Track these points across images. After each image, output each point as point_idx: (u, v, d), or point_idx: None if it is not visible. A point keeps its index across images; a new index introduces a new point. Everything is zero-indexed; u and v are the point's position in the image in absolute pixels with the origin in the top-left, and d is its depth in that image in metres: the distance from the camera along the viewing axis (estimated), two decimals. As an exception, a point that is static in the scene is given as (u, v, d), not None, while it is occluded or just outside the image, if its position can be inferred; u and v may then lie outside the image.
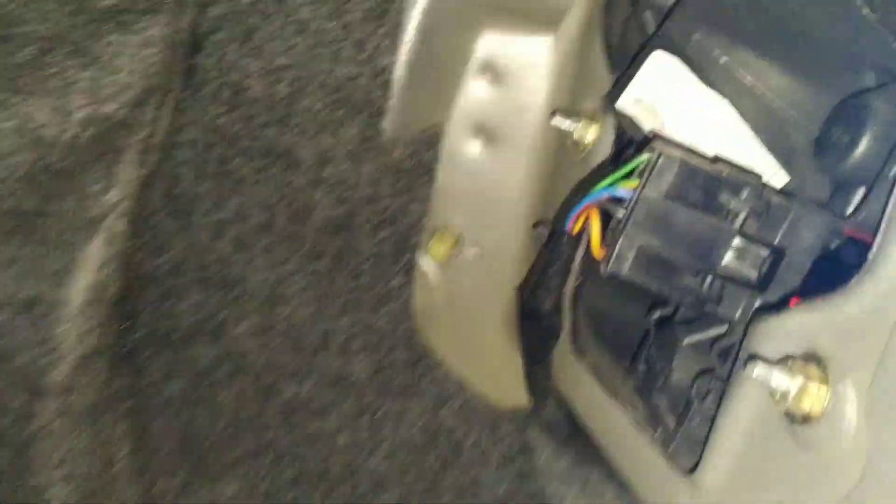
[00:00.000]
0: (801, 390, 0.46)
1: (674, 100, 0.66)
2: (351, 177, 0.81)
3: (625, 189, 0.58)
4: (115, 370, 0.76)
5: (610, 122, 0.75)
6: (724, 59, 0.62)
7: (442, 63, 0.83)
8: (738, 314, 0.57)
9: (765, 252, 0.56)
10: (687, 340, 0.62)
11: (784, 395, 0.47)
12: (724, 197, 0.56)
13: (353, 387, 0.87)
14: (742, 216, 0.56)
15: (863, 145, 0.52)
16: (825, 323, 0.47)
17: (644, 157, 0.57)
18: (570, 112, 0.78)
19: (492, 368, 0.90)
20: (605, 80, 0.76)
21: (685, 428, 0.60)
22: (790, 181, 0.60)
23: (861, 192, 0.53)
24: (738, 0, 0.59)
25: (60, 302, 0.71)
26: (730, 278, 0.57)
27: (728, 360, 0.58)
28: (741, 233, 0.56)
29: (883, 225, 0.45)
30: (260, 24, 0.76)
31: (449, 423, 0.89)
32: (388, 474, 0.89)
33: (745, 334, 0.54)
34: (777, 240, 0.57)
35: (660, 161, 0.55)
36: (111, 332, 0.75)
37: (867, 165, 0.52)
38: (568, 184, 0.82)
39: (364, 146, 0.80)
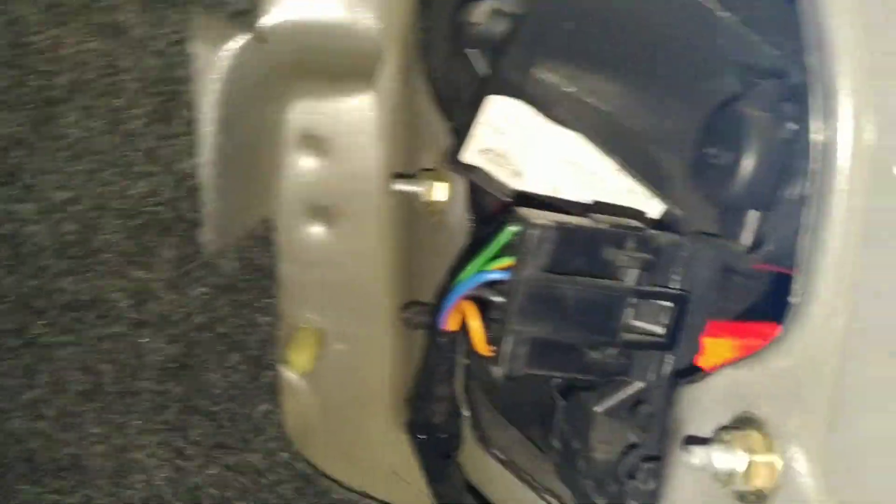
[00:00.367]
0: (749, 467, 0.41)
1: (523, 144, 0.58)
2: (177, 309, 0.68)
3: (498, 270, 0.49)
4: None
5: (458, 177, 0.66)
6: (570, 90, 0.54)
7: (252, 150, 0.71)
8: (652, 376, 0.51)
9: (666, 303, 0.49)
10: (599, 408, 0.55)
11: (731, 476, 0.42)
12: (608, 253, 0.49)
13: (243, 538, 0.75)
14: (633, 271, 0.48)
15: (746, 165, 0.44)
16: (756, 382, 0.42)
17: (511, 229, 0.48)
18: (412, 174, 0.69)
19: (389, 469, 0.79)
20: (440, 130, 0.67)
21: (622, 513, 0.53)
22: (673, 211, 0.52)
23: (754, 216, 0.46)
24: (575, 22, 0.51)
25: None
26: (635, 343, 0.49)
27: (652, 431, 0.52)
28: (635, 291, 0.48)
29: (800, 266, 0.39)
30: (23, 159, 0.63)
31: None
32: None
33: (667, 401, 0.49)
34: (675, 284, 0.49)
35: (530, 235, 0.46)
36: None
37: (755, 187, 0.45)
38: (429, 252, 0.72)
39: (184, 270, 0.68)
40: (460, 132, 0.60)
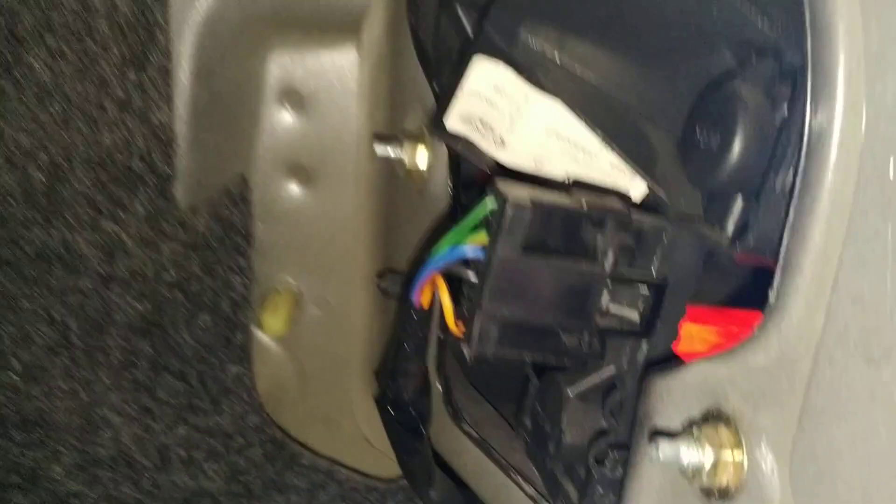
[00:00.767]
0: (716, 463, 0.40)
1: (508, 113, 0.55)
2: (148, 265, 0.66)
3: (472, 246, 0.47)
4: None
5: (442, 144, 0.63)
6: (557, 57, 0.51)
7: (229, 102, 0.69)
8: (624, 363, 0.50)
9: (643, 289, 0.47)
10: (572, 391, 0.53)
11: (697, 471, 0.40)
12: (587, 234, 0.47)
13: (210, 501, 0.73)
14: (611, 254, 0.46)
15: (736, 149, 0.42)
16: (729, 377, 0.41)
17: (488, 203, 0.46)
18: (394, 136, 0.66)
19: (361, 437, 0.78)
20: (426, 92, 0.65)
21: (589, 499, 0.52)
22: (656, 192, 0.50)
23: (740, 202, 0.44)
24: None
25: None
26: (610, 329, 0.47)
27: (622, 418, 0.51)
28: (613, 275, 0.46)
29: (780, 261, 0.37)
30: (-12, 101, 0.60)
31: (328, 514, 0.76)
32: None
33: (639, 391, 0.47)
34: (654, 270, 0.48)
35: (508, 212, 0.44)
36: None
37: (743, 173, 0.42)
38: (408, 220, 0.70)
39: (156, 225, 0.65)
40: (445, 95, 0.57)
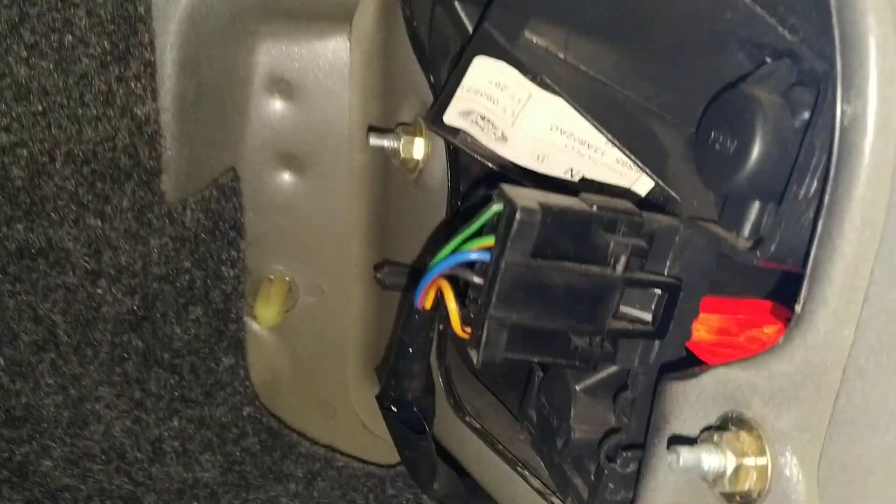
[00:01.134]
0: (738, 468, 0.40)
1: (510, 109, 0.54)
2: (136, 259, 0.64)
3: (478, 251, 0.45)
4: None
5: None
6: (562, 56, 0.50)
7: (217, 93, 0.66)
8: (637, 363, 0.49)
9: (656, 290, 0.46)
10: (580, 386, 0.53)
11: (719, 477, 0.40)
12: (599, 239, 0.45)
13: (206, 491, 0.73)
14: (623, 257, 0.45)
15: (754, 154, 0.41)
16: (751, 384, 0.40)
17: (494, 208, 0.45)
18: (389, 129, 0.65)
19: (358, 424, 0.78)
20: (420, 83, 0.63)
21: (600, 495, 0.52)
22: (668, 192, 0.49)
23: (757, 207, 0.43)
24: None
25: None
26: (622, 331, 0.47)
27: (634, 417, 0.51)
28: (625, 279, 0.45)
29: (808, 271, 0.36)
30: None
31: (326, 501, 0.76)
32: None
33: (651, 389, 0.47)
34: (666, 271, 0.47)
35: (518, 217, 0.42)
36: None
37: (761, 178, 0.42)
38: (403, 208, 0.69)
39: (143, 219, 0.63)
40: (443, 89, 0.56)
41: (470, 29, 0.56)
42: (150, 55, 0.60)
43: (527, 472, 0.59)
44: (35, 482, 0.70)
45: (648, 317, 0.48)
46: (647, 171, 0.48)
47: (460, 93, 0.54)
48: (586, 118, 0.49)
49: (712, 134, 0.44)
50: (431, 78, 0.61)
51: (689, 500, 0.44)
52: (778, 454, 0.39)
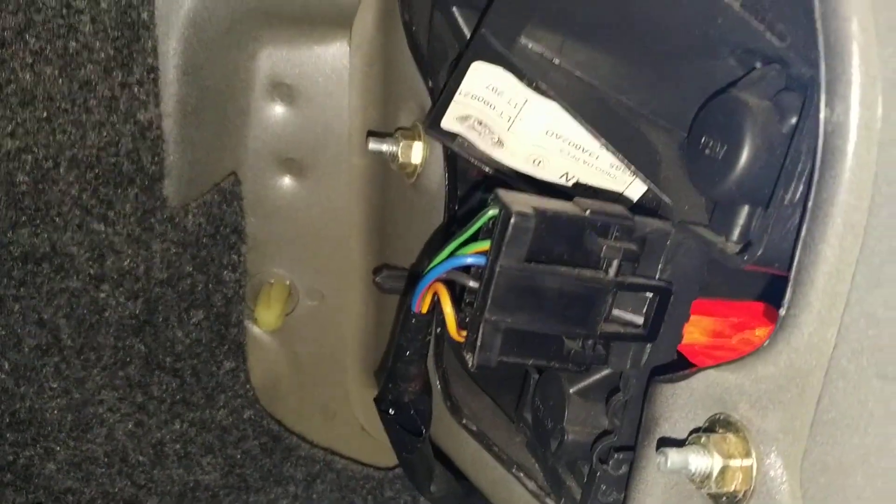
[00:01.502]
0: (724, 469, 0.41)
1: (506, 114, 0.55)
2: (139, 263, 0.65)
3: (474, 255, 0.46)
4: None
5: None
6: (557, 61, 0.51)
7: (218, 99, 0.67)
8: (628, 366, 0.50)
9: (647, 294, 0.47)
10: (574, 387, 0.54)
11: (706, 478, 0.41)
12: (591, 243, 0.46)
13: (207, 493, 0.73)
14: (615, 261, 0.46)
15: (743, 159, 0.42)
16: (738, 386, 0.41)
17: (490, 212, 0.45)
18: (388, 134, 0.65)
19: (357, 425, 0.78)
20: (419, 88, 0.64)
21: (592, 496, 0.52)
22: (660, 196, 0.49)
23: (746, 211, 0.44)
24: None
25: None
26: (614, 334, 0.47)
27: (626, 419, 0.51)
28: (617, 283, 0.46)
29: (792, 275, 0.37)
30: (-30, 103, 0.58)
31: (325, 503, 0.76)
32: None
33: (643, 392, 0.48)
34: (658, 274, 0.48)
35: (512, 221, 0.43)
36: None
37: (750, 182, 0.42)
38: (402, 211, 0.69)
39: (146, 224, 0.64)
40: (441, 94, 0.56)
41: (468, 35, 0.57)
42: (154, 61, 0.61)
43: (522, 475, 0.60)
44: (39, 485, 0.71)
45: (640, 320, 0.48)
46: (640, 175, 0.49)
47: (458, 98, 0.55)
48: (581, 123, 0.50)
49: (703, 139, 0.44)
50: (430, 83, 0.62)
51: (678, 501, 0.45)
52: (763, 455, 0.40)
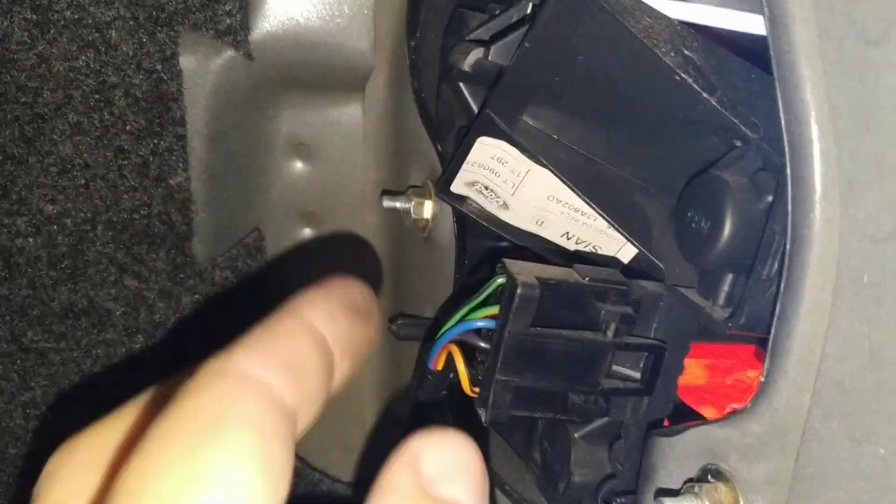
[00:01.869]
0: None
1: (511, 181, 0.59)
2: (170, 316, 0.70)
3: (484, 319, 0.51)
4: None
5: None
6: (556, 137, 0.55)
7: (242, 161, 0.72)
8: (628, 416, 0.54)
9: (644, 352, 0.52)
10: (579, 434, 0.58)
11: None
12: (591, 307, 0.51)
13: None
14: (613, 325, 0.50)
15: (725, 235, 0.46)
16: (728, 440, 0.45)
17: (499, 280, 0.50)
18: (401, 192, 0.70)
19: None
20: (429, 148, 0.68)
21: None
22: (656, 263, 0.54)
23: (730, 277, 0.48)
24: (561, 78, 0.52)
25: None
26: (614, 389, 0.52)
27: (627, 465, 0.55)
28: (615, 344, 0.50)
29: (770, 345, 0.41)
30: (14, 173, 0.63)
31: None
32: None
33: (643, 442, 0.51)
34: (652, 333, 0.52)
35: (519, 292, 0.48)
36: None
37: (732, 254, 0.46)
38: (414, 263, 0.74)
39: (177, 280, 0.69)
40: (450, 162, 0.61)
41: (474, 108, 0.61)
42: (182, 129, 0.65)
43: (532, 510, 0.64)
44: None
45: (637, 375, 0.53)
46: (634, 242, 0.53)
47: (465, 167, 0.59)
48: (577, 194, 0.55)
49: (689, 213, 0.49)
50: (439, 147, 0.66)
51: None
52: (751, 503, 0.44)
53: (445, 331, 0.52)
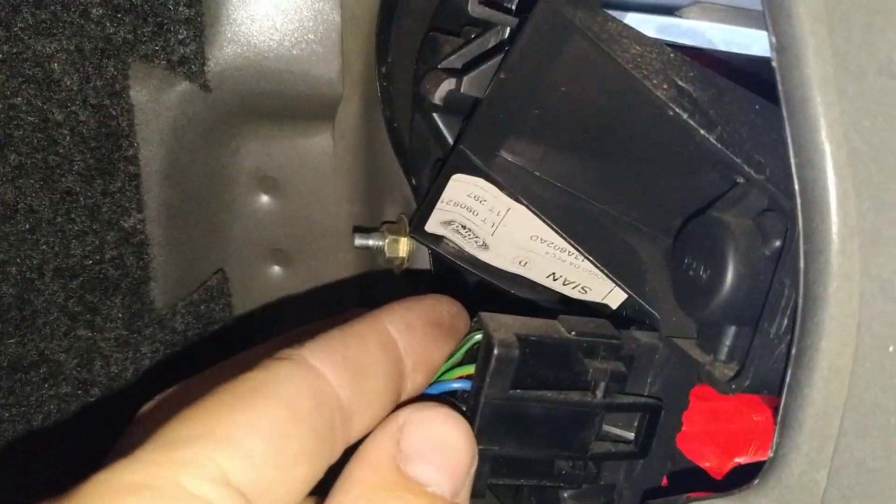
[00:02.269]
0: None
1: (489, 220, 0.54)
2: (128, 367, 0.65)
3: (459, 380, 0.45)
4: None
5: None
6: (538, 174, 0.50)
7: (202, 198, 0.67)
8: (621, 479, 0.50)
9: (637, 412, 0.47)
10: (568, 493, 0.53)
11: None
12: (578, 364, 0.45)
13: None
14: (603, 384, 0.45)
15: (726, 286, 0.41)
16: None
17: (476, 337, 0.45)
18: (374, 229, 0.65)
19: None
20: (401, 184, 0.63)
21: None
22: (651, 311, 0.49)
23: (732, 331, 0.43)
24: (544, 110, 0.47)
25: None
26: (605, 454, 0.47)
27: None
28: (606, 405, 0.45)
29: (780, 415, 0.36)
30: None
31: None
32: None
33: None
34: (647, 389, 0.47)
35: (494, 353, 0.42)
36: None
37: (735, 307, 0.42)
38: (389, 297, 0.69)
39: (134, 328, 0.63)
40: (424, 200, 0.56)
41: (448, 139, 0.56)
42: (135, 167, 0.60)
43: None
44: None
45: (631, 435, 0.48)
46: (625, 288, 0.49)
47: (440, 205, 0.54)
48: (561, 235, 0.50)
49: (686, 260, 0.44)
50: (413, 181, 0.61)
51: None
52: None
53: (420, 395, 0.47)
